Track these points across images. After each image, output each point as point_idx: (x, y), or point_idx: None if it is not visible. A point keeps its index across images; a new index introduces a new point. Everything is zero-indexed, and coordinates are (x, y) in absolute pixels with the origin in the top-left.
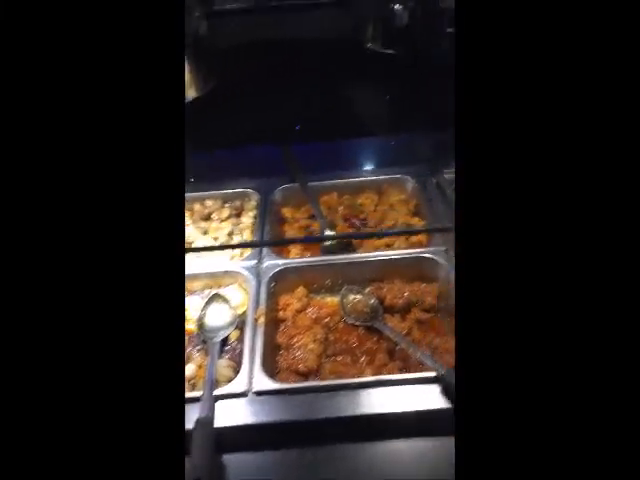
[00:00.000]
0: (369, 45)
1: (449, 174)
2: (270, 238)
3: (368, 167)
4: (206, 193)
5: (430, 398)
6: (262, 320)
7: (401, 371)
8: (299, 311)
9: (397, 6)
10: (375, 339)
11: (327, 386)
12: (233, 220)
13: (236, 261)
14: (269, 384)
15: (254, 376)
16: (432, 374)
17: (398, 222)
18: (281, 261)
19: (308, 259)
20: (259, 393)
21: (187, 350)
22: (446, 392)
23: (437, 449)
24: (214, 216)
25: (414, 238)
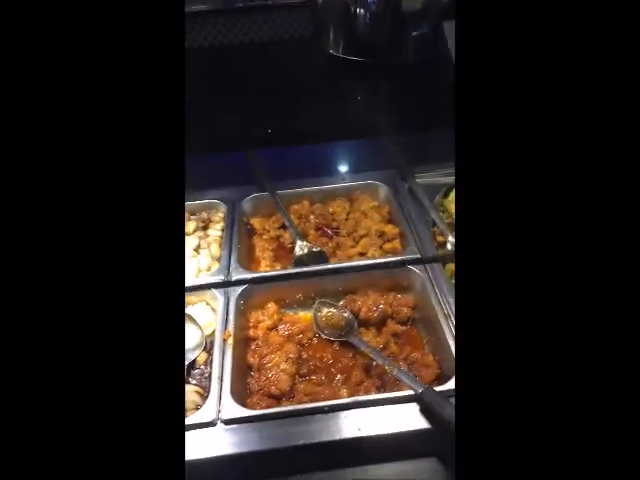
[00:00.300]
0: (330, 51)
1: (421, 179)
2: (239, 251)
3: (338, 173)
4: None
5: (409, 419)
6: (230, 341)
7: (378, 389)
8: (270, 328)
9: (358, 11)
10: (350, 355)
11: (300, 410)
12: (200, 233)
13: (203, 276)
14: (239, 411)
15: (223, 403)
16: (410, 392)
17: (372, 230)
18: (250, 275)
19: (279, 272)
20: (228, 422)
21: None
22: (424, 412)
23: (417, 472)
24: None
25: (388, 245)
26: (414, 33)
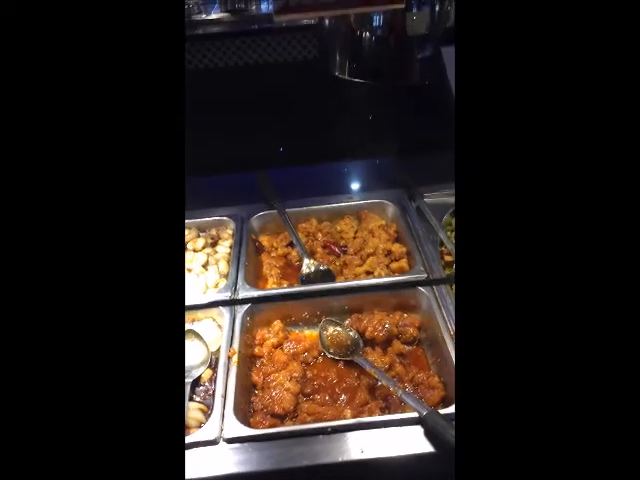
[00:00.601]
0: (336, 73)
1: (429, 198)
2: (246, 268)
3: (347, 192)
4: None
5: (412, 442)
6: (235, 359)
7: (382, 410)
8: (276, 346)
9: (364, 35)
10: (355, 374)
11: (303, 430)
12: (208, 250)
13: (210, 293)
14: (241, 430)
15: (225, 421)
16: (414, 415)
17: (379, 248)
18: (256, 293)
19: (285, 289)
20: (230, 440)
21: None
22: (428, 435)
23: None
24: (189, 246)
25: (395, 265)
26: (419, 56)
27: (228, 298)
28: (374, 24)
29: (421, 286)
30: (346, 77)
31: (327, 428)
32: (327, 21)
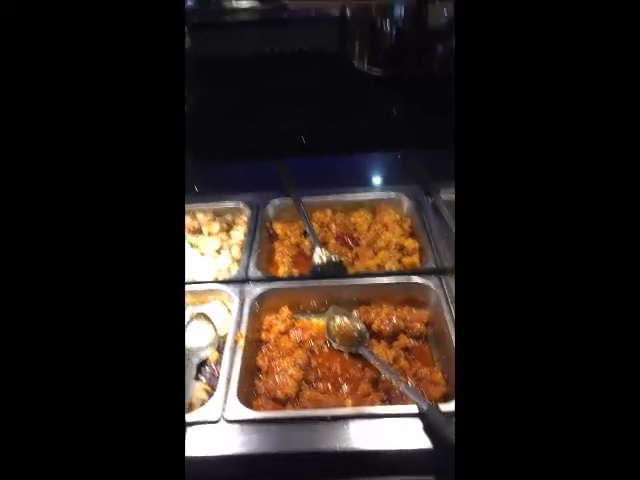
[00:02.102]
0: (355, 63)
1: (446, 195)
2: (258, 255)
3: (363, 184)
4: (198, 206)
5: (410, 435)
6: (242, 343)
7: (384, 402)
8: (282, 333)
9: (385, 26)
10: (359, 366)
11: (303, 417)
12: (223, 235)
13: (221, 277)
14: (242, 412)
15: (228, 402)
16: (415, 409)
17: (392, 243)
18: (266, 278)
19: (294, 277)
20: (231, 421)
21: None
22: (427, 429)
23: None
24: (204, 230)
25: (407, 260)
26: (440, 48)
27: (236, 279)
28: (394, 14)
29: (431, 281)
30: (365, 68)
31: (327, 416)
32: (348, 11)
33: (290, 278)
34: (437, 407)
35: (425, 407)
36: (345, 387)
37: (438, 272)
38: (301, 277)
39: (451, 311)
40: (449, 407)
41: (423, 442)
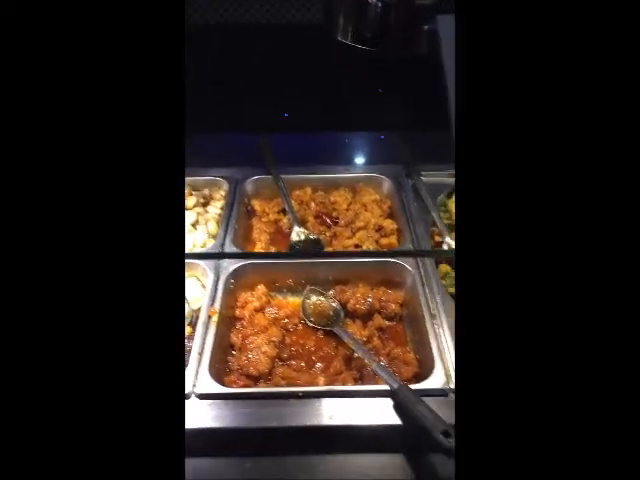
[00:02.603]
0: (339, 37)
1: (427, 177)
2: (235, 232)
3: (345, 163)
4: None
5: (380, 413)
6: (215, 318)
7: (356, 381)
8: (257, 310)
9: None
10: (333, 345)
11: (274, 393)
12: (199, 209)
13: (196, 251)
14: (213, 387)
15: (199, 378)
16: (386, 387)
17: (370, 223)
18: (241, 254)
19: (270, 254)
20: (202, 396)
21: None
22: (397, 408)
23: (382, 466)
24: None
25: (385, 240)
26: (426, 27)
27: (210, 252)
28: None
29: (407, 263)
30: (349, 43)
31: (298, 392)
32: None
33: (267, 255)
34: (407, 386)
35: (396, 386)
36: (318, 365)
37: (415, 254)
38: (277, 254)
39: (426, 293)
40: (420, 386)
41: (392, 420)
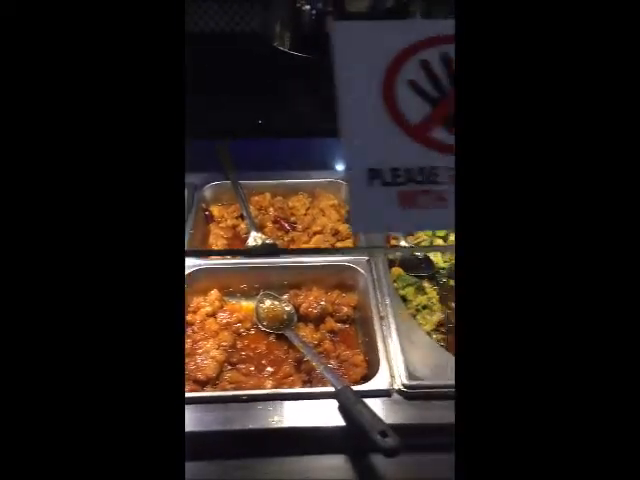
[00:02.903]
0: (276, 44)
1: None
2: (191, 236)
3: (304, 168)
4: None
5: (324, 415)
6: None
7: (305, 384)
8: (210, 315)
9: (304, 7)
10: (285, 348)
11: (218, 397)
12: None
13: None
14: None
15: None
16: (332, 389)
17: (327, 227)
18: (197, 261)
19: (226, 261)
20: None
21: None
22: (341, 409)
23: (324, 468)
24: None
25: (340, 244)
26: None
27: None
28: None
29: (360, 266)
30: (286, 49)
31: (242, 396)
32: None
33: (219, 252)
34: (349, 387)
35: (339, 387)
36: (268, 369)
37: (367, 249)
38: (230, 250)
39: (377, 296)
40: (365, 387)
41: (335, 422)
